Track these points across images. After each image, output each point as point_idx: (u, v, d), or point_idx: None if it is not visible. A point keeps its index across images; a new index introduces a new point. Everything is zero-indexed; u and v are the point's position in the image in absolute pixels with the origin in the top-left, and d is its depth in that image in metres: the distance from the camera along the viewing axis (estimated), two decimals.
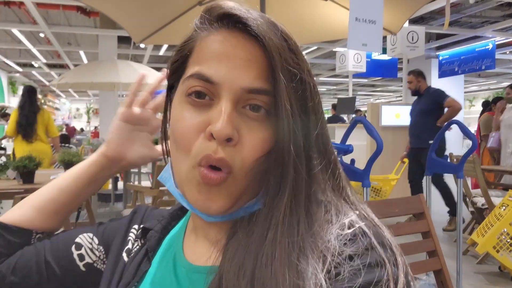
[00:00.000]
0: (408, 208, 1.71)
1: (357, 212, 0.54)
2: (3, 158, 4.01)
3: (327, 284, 0.45)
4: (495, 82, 18.30)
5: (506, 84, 18.51)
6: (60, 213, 0.79)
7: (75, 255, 0.74)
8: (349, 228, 0.50)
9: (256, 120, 0.54)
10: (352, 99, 9.02)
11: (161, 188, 4.17)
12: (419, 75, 5.60)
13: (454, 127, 3.43)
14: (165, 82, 0.65)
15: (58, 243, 0.76)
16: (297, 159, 0.52)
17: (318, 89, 0.58)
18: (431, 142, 5.41)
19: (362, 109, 15.72)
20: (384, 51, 8.23)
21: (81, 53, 13.60)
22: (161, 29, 4.07)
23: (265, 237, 0.50)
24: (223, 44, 0.54)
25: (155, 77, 0.84)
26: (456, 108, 5.26)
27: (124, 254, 0.71)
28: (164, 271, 0.64)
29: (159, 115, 0.82)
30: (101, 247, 0.75)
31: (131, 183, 4.93)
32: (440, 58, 12.39)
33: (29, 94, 5.45)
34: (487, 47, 10.79)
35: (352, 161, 2.36)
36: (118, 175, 7.69)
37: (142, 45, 7.28)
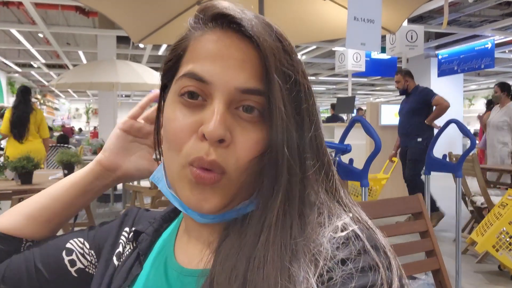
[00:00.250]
0: (406, 208, 1.71)
1: (350, 215, 0.53)
2: (1, 159, 4.01)
3: None
4: (494, 81, 18.28)
5: None
6: (52, 222, 0.76)
7: (66, 261, 0.73)
8: (342, 231, 0.49)
9: (249, 122, 0.53)
10: (352, 99, 9.02)
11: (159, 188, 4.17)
12: (406, 74, 5.61)
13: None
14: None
15: (48, 249, 0.74)
16: (291, 161, 0.52)
17: (317, 88, 0.58)
18: (419, 140, 5.46)
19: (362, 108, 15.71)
20: (383, 50, 8.23)
21: (80, 53, 13.59)
22: (159, 29, 4.06)
23: (258, 239, 0.49)
24: (217, 44, 0.54)
25: (147, 96, 0.82)
26: (443, 106, 5.27)
27: (115, 258, 0.70)
28: (155, 274, 0.63)
29: None
30: (92, 251, 0.74)
31: (130, 184, 4.92)
32: (440, 57, 12.39)
33: (23, 94, 5.54)
34: (486, 46, 10.79)
35: (351, 160, 2.35)
36: None
37: (141, 45, 7.28)
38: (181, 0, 3.76)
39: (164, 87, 0.63)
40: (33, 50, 12.80)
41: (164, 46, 11.67)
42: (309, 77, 0.57)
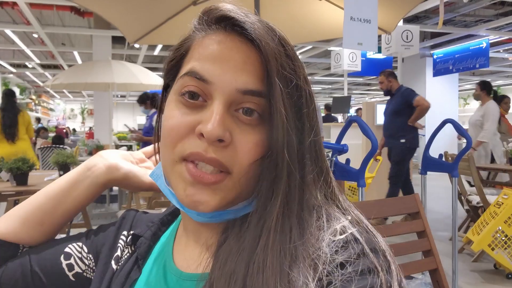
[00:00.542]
0: (403, 207, 1.71)
1: (349, 218, 0.53)
2: None
3: None
4: (489, 80, 18.39)
5: (500, 82, 18.65)
6: (44, 224, 0.72)
7: (64, 265, 0.71)
8: (340, 234, 0.49)
9: (248, 124, 0.53)
10: (347, 98, 9.03)
11: None
12: (389, 75, 5.61)
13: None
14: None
15: (45, 253, 0.72)
16: (290, 164, 0.52)
17: (313, 88, 0.58)
18: (402, 141, 5.46)
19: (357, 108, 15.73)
20: (379, 50, 8.24)
21: (75, 53, 13.54)
22: (155, 29, 4.05)
23: (257, 243, 0.49)
24: (219, 46, 0.54)
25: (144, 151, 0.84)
26: (424, 107, 5.27)
27: (113, 262, 0.69)
28: (154, 279, 0.63)
29: None
30: (90, 255, 0.73)
31: None
32: (435, 56, 12.43)
33: (8, 97, 5.76)
34: (481, 45, 10.84)
35: (348, 160, 2.35)
36: None
37: (136, 45, 7.25)
38: (176, 0, 3.75)
39: (166, 87, 0.63)
40: (28, 51, 12.74)
41: (159, 47, 11.66)
42: None
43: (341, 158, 2.37)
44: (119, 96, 23.52)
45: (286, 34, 0.56)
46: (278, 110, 0.51)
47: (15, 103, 5.74)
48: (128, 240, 0.71)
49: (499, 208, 3.81)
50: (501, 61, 14.53)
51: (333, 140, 5.19)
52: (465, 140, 5.19)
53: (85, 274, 0.72)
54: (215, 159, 0.52)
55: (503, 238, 3.67)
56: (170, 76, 0.62)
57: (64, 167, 3.57)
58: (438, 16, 9.62)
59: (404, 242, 1.67)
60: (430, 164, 3.30)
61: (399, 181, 5.46)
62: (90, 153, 6.76)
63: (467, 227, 4.88)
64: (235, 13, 0.54)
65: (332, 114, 10.08)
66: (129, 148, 11.77)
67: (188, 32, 0.60)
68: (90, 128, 19.97)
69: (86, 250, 0.73)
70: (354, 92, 23.98)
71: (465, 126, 5.89)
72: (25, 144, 5.73)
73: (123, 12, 3.87)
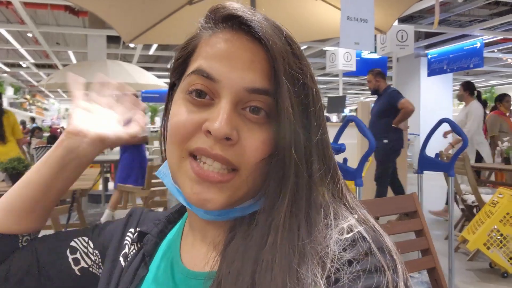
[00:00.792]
0: (401, 207, 1.71)
1: (356, 216, 0.53)
2: None
3: None
4: (483, 80, 18.47)
5: (494, 82, 18.73)
6: (35, 211, 0.70)
7: (70, 259, 0.72)
8: (348, 233, 0.50)
9: (255, 123, 0.53)
10: (342, 98, 9.05)
11: (152, 189, 4.15)
12: (377, 74, 5.59)
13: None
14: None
15: (52, 246, 0.72)
16: (298, 163, 0.52)
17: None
18: (385, 141, 5.45)
19: (353, 107, 15.76)
20: (374, 49, 8.25)
21: (70, 53, 13.48)
22: (151, 29, 4.04)
23: (265, 241, 0.49)
24: (226, 44, 0.54)
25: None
26: (408, 110, 5.24)
27: (121, 259, 0.70)
28: (162, 276, 0.63)
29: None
30: (96, 251, 0.73)
31: (122, 184, 4.91)
32: (429, 56, 12.47)
33: None
34: (475, 45, 10.87)
35: (345, 160, 2.36)
36: (108, 175, 7.64)
37: (131, 45, 7.23)
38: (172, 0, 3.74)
39: (173, 86, 0.63)
40: (22, 50, 12.67)
41: (154, 46, 11.63)
42: None
43: (338, 157, 2.37)
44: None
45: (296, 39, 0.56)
46: (285, 109, 0.51)
47: (0, 105, 5.63)
48: (134, 237, 0.71)
49: (494, 207, 3.83)
50: (495, 61, 14.60)
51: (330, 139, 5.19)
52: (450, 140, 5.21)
53: (90, 269, 0.73)
54: (221, 156, 0.52)
55: (499, 237, 3.70)
56: (176, 75, 0.62)
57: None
58: (432, 16, 9.66)
59: (402, 241, 1.68)
60: (427, 164, 3.32)
61: (386, 181, 5.45)
62: None
63: (462, 226, 4.90)
64: (242, 11, 0.54)
65: (326, 114, 10.09)
66: None
67: (194, 30, 0.60)
68: None
69: (92, 245, 0.74)
70: (348, 92, 24.03)
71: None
72: (13, 145, 5.61)
73: (119, 11, 3.85)
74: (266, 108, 0.53)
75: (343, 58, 9.52)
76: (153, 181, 4.36)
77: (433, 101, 12.68)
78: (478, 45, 10.79)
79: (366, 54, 11.12)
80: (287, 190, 0.51)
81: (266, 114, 0.54)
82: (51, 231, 2.84)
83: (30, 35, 11.23)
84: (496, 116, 6.85)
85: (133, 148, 5.33)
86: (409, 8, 4.41)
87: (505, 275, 3.76)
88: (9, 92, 17.84)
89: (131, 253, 0.70)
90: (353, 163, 2.32)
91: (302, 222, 0.50)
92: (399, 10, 3.90)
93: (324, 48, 11.88)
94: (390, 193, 5.70)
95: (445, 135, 6.56)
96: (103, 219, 5.12)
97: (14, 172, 3.28)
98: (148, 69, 11.92)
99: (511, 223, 3.71)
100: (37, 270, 0.70)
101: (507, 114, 6.87)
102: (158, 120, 17.85)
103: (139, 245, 0.70)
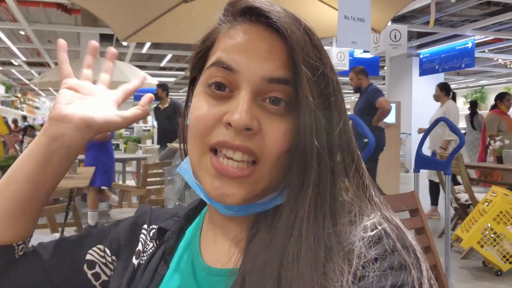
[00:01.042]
0: (402, 204, 1.72)
1: (379, 214, 0.53)
2: None
3: (354, 286, 0.45)
4: (473, 80, 18.57)
5: (484, 82, 18.85)
6: (26, 211, 0.63)
7: (89, 276, 0.68)
8: (372, 230, 0.49)
9: (276, 114, 0.53)
10: None
11: (148, 188, 4.14)
12: (359, 72, 5.59)
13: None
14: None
15: (64, 262, 0.67)
16: (321, 152, 0.51)
17: None
18: (365, 140, 5.42)
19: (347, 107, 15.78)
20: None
21: None
22: (145, 27, 4.03)
23: (290, 235, 0.49)
24: (245, 36, 0.54)
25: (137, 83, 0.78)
26: (385, 109, 5.26)
27: (134, 257, 0.68)
28: (183, 274, 0.62)
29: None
30: (114, 257, 0.70)
31: (117, 183, 4.88)
32: (421, 56, 12.53)
33: None
34: (466, 45, 10.93)
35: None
36: None
37: (124, 43, 7.19)
38: None
39: (193, 81, 0.63)
40: (14, 48, 12.55)
41: (148, 44, 11.58)
42: None
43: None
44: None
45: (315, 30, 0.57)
46: (305, 98, 0.51)
47: None
48: (152, 234, 0.70)
49: (487, 205, 3.87)
50: (486, 61, 14.70)
51: None
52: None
53: (111, 279, 0.70)
54: (243, 145, 0.51)
55: (492, 236, 3.73)
56: (196, 69, 0.62)
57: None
58: (425, 16, 9.71)
59: None
60: (424, 162, 3.33)
61: (373, 179, 5.45)
62: None
63: (455, 225, 4.93)
64: (260, 3, 0.55)
65: None
66: (116, 147, 11.68)
67: (213, 24, 0.60)
68: None
69: (109, 253, 0.70)
70: (342, 91, 24.07)
71: (427, 125, 5.97)
72: None
73: (114, 9, 3.83)
74: (286, 99, 0.53)
75: (336, 58, 9.53)
76: (148, 179, 4.34)
77: (425, 100, 12.71)
78: (470, 45, 10.85)
79: (359, 54, 11.15)
80: (310, 182, 0.51)
81: (286, 105, 0.53)
82: (47, 230, 2.81)
83: (22, 33, 11.13)
84: (495, 115, 6.84)
85: (98, 146, 5.12)
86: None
87: (499, 273, 3.80)
88: (0, 90, 17.69)
89: (149, 250, 0.68)
90: None
91: (327, 214, 0.50)
92: (393, 10, 3.92)
93: None
94: (389, 192, 5.72)
95: (419, 131, 6.66)
96: (90, 221, 5.10)
97: None
98: (141, 67, 11.87)
99: (505, 221, 3.75)
100: None
101: (507, 112, 6.84)
102: (149, 119, 17.77)
103: (157, 242, 0.68)
